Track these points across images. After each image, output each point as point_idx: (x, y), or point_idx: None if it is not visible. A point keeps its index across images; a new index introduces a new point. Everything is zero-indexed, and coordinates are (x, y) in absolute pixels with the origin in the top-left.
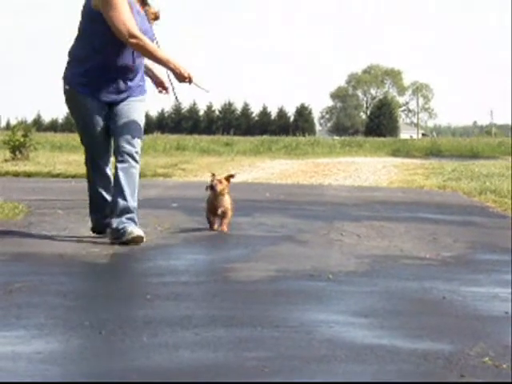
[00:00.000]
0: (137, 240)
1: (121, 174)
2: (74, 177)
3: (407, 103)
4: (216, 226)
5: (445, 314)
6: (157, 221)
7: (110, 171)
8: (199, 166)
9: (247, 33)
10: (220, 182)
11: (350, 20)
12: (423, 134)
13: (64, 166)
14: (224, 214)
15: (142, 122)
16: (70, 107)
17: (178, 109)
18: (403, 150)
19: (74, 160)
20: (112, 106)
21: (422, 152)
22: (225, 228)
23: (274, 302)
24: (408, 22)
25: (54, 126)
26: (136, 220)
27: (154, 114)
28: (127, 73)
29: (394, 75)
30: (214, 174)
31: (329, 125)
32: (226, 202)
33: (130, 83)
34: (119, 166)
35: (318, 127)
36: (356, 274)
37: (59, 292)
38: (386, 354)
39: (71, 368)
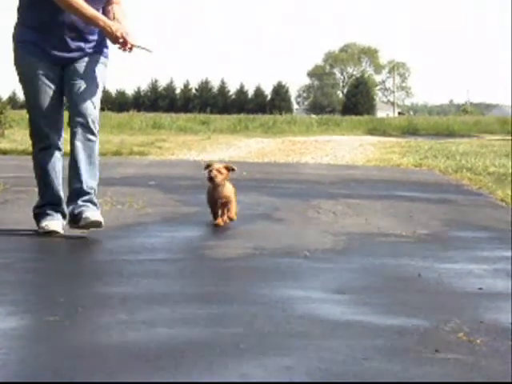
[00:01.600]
0: (95, 225)
1: (75, 149)
2: None
3: (384, 82)
4: (219, 220)
5: (420, 291)
6: (133, 199)
7: (59, 151)
8: (176, 145)
9: (224, 10)
10: (219, 171)
11: None
12: (400, 113)
13: None
14: (227, 204)
15: (98, 86)
16: (17, 68)
17: (154, 87)
18: (380, 129)
19: None
20: (65, 68)
21: (399, 130)
22: (233, 216)
23: (251, 279)
24: (384, 0)
25: (22, 105)
26: (94, 201)
27: (130, 92)
28: (74, 30)
29: (370, 53)
30: (209, 165)
31: (306, 103)
32: (227, 190)
33: (81, 43)
34: (73, 139)
35: (295, 106)
36: (332, 251)
37: (35, 269)
38: (362, 330)
39: (47, 344)
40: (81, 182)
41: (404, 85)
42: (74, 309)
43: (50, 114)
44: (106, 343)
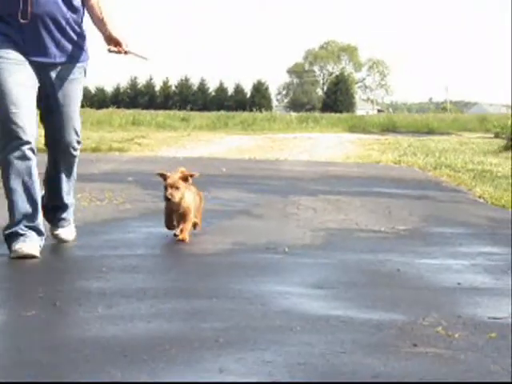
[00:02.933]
0: (27, 258)
1: (59, 167)
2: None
3: (363, 79)
4: (182, 235)
5: (399, 286)
6: (112, 194)
7: (32, 152)
8: (155, 141)
9: (203, 7)
10: (176, 187)
11: None
12: (379, 110)
13: None
14: (183, 217)
15: (79, 102)
16: None
17: (133, 84)
18: (359, 126)
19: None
20: (41, 72)
21: (378, 128)
22: (184, 236)
23: (230, 274)
24: None
25: None
26: (69, 218)
27: (109, 88)
28: (55, 29)
29: (350, 51)
30: (163, 175)
31: (286, 101)
32: (186, 201)
33: (55, 43)
34: (52, 166)
35: (274, 103)
36: (312, 246)
37: (13, 264)
38: (341, 324)
39: (24, 339)
40: (60, 194)
41: (383, 83)
42: (51, 304)
43: (23, 104)
44: (84, 338)
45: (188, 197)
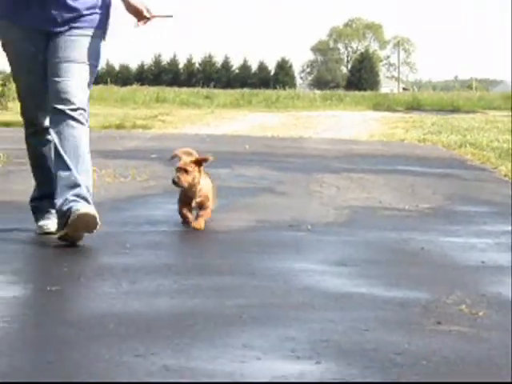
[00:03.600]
0: (87, 220)
1: (55, 140)
2: None
3: (388, 57)
4: (196, 223)
5: (422, 264)
6: (136, 171)
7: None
8: (179, 118)
9: None
10: (185, 170)
11: None
12: (404, 88)
13: None
14: (201, 205)
15: (86, 63)
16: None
17: (157, 61)
18: (384, 104)
19: None
20: (50, 38)
21: (403, 106)
22: (201, 224)
23: (253, 251)
24: None
25: None
26: (86, 196)
27: (133, 66)
28: None
29: (375, 29)
30: (176, 155)
31: (309, 78)
32: (203, 189)
33: (66, 11)
34: (51, 128)
35: (298, 81)
36: (335, 224)
37: (37, 240)
38: (364, 302)
39: (49, 312)
40: (69, 171)
41: (408, 60)
42: (76, 279)
43: (37, 93)
44: (108, 313)
45: (205, 184)
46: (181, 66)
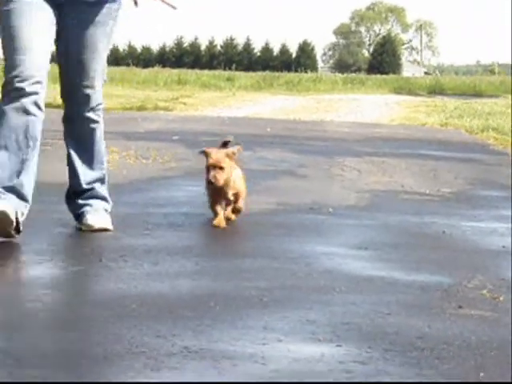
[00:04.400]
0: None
1: (67, 136)
2: None
3: (410, 41)
4: (218, 221)
5: (444, 248)
6: (158, 153)
7: (38, 109)
8: (200, 101)
9: None
10: (220, 168)
11: None
12: (426, 73)
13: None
14: (236, 199)
15: (105, 50)
16: None
17: (179, 43)
18: (406, 88)
19: None
20: (61, 10)
21: (425, 90)
22: (241, 206)
23: (274, 234)
24: None
25: (53, 59)
26: (99, 195)
27: (155, 47)
28: None
29: (397, 12)
30: (205, 152)
31: (331, 62)
32: (236, 185)
33: None
34: (66, 121)
35: (320, 64)
36: (356, 208)
37: (60, 220)
38: (385, 285)
39: (70, 293)
40: (77, 177)
41: (431, 44)
42: (98, 259)
43: (33, 50)
44: (129, 293)
45: (237, 175)
46: (202, 48)
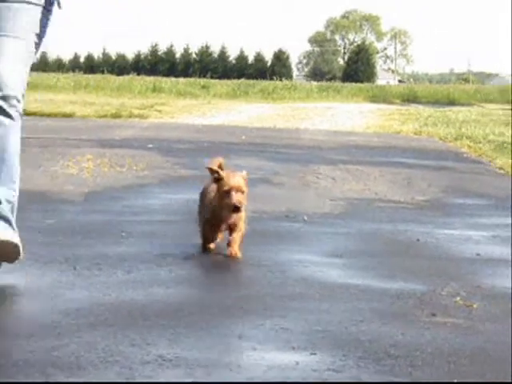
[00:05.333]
0: (6, 250)
1: None
2: (48, 115)
3: (385, 49)
4: (230, 251)
5: (418, 256)
6: (133, 161)
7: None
8: (176, 108)
9: None
10: (242, 192)
11: None
12: (400, 81)
13: (39, 105)
14: (234, 227)
15: (22, 38)
16: None
17: (154, 50)
18: (380, 96)
19: (50, 99)
20: None
21: (399, 98)
22: (237, 251)
23: (250, 242)
24: None
25: None
26: (4, 215)
27: (130, 55)
28: None
29: (372, 20)
30: (216, 173)
31: (306, 70)
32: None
33: None
34: None
35: (295, 72)
36: (331, 215)
37: (35, 228)
38: (359, 293)
39: (45, 301)
40: None
41: (405, 53)
42: (72, 268)
43: None
44: (104, 302)
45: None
46: (177, 55)
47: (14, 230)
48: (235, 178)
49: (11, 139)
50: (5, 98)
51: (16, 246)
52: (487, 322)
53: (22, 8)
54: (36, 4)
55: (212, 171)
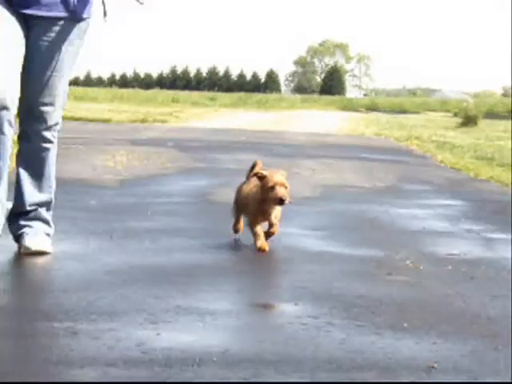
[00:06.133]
0: (37, 255)
1: (19, 156)
2: (91, 120)
3: (353, 70)
4: (265, 244)
5: (377, 229)
6: (156, 156)
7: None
8: (189, 115)
9: (227, 10)
10: (285, 187)
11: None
12: (365, 94)
13: (84, 112)
14: (272, 222)
15: (70, 69)
16: None
17: (173, 71)
18: (349, 106)
19: (92, 107)
20: (29, 27)
21: (364, 108)
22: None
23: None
24: (352, 4)
25: (76, 82)
26: (42, 217)
27: (154, 74)
28: None
29: (342, 47)
30: (261, 174)
31: (292, 85)
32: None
33: None
34: (21, 145)
35: (283, 87)
36: (310, 198)
37: (81, 208)
38: (332, 258)
39: (89, 263)
40: (22, 196)
41: (368, 72)
42: (109, 237)
43: (2, 66)
44: (134, 264)
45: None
46: (192, 74)
47: (50, 227)
48: (278, 175)
49: (51, 157)
50: (48, 129)
51: (44, 252)
52: (430, 279)
53: (70, 41)
54: (81, 30)
55: (255, 174)
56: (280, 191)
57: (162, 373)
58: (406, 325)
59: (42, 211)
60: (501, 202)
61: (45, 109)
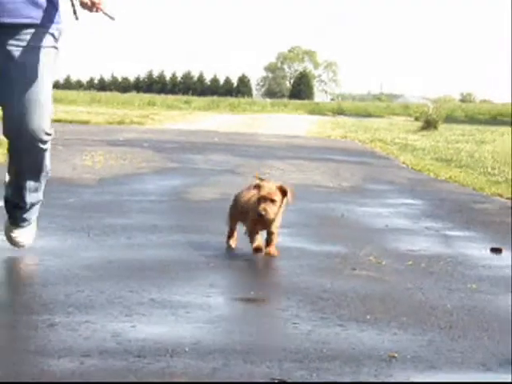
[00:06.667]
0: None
1: (18, 164)
2: (70, 122)
3: (320, 75)
4: (269, 250)
5: (343, 226)
6: (133, 156)
7: None
8: (165, 117)
9: (202, 19)
10: (272, 201)
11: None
12: (331, 99)
13: (63, 115)
14: (268, 231)
15: (49, 75)
16: None
17: (150, 75)
18: (317, 110)
19: (71, 110)
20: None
21: (331, 111)
22: (274, 251)
23: (219, 216)
24: (320, 13)
25: (56, 85)
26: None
27: (131, 78)
28: None
29: (311, 54)
30: (258, 185)
31: (263, 90)
32: (277, 221)
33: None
34: (16, 155)
35: (254, 91)
36: None
37: (60, 205)
38: (299, 254)
39: (67, 259)
40: (24, 196)
41: (335, 78)
42: (86, 234)
43: None
44: (110, 259)
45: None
46: (167, 78)
47: (32, 226)
48: (265, 187)
49: (44, 161)
50: (47, 134)
51: (23, 246)
52: (392, 274)
53: (44, 49)
54: (53, 46)
55: (255, 187)
56: (261, 206)
57: (136, 363)
58: (368, 317)
59: (36, 208)
60: (458, 201)
61: (36, 127)
